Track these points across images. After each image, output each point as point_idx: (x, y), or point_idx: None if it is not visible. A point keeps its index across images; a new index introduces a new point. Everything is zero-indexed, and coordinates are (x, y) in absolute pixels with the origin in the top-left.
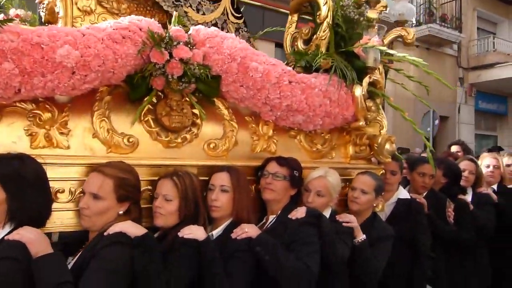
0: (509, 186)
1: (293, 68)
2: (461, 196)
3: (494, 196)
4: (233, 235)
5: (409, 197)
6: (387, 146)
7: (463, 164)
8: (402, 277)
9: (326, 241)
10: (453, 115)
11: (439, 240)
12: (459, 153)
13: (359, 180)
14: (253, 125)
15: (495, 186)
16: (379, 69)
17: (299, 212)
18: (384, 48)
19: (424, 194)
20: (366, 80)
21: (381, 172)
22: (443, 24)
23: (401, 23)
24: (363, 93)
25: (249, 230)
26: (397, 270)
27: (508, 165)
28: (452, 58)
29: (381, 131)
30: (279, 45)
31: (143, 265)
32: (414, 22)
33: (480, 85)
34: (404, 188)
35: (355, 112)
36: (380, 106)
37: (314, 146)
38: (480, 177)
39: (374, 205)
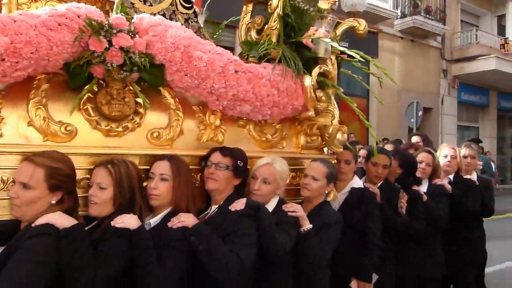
0: (464, 177)
1: (247, 58)
2: (415, 187)
3: (449, 187)
4: (169, 224)
5: (363, 187)
6: (339, 136)
7: (421, 156)
8: (356, 266)
9: (265, 233)
10: (437, 106)
11: (392, 231)
12: (419, 144)
13: (310, 167)
14: (200, 115)
15: (451, 176)
16: (331, 59)
17: (239, 204)
18: (328, 40)
19: (379, 184)
20: (316, 71)
21: (333, 162)
22: (427, 16)
23: (353, 14)
24: (312, 83)
25: (185, 219)
26: (349, 259)
27: (465, 157)
28: (436, 50)
29: (333, 121)
30: None
31: (71, 256)
32: (399, 14)
33: (463, 77)
34: (361, 178)
35: (305, 102)
36: (332, 97)
37: (263, 136)
38: (437, 169)
39: (326, 192)
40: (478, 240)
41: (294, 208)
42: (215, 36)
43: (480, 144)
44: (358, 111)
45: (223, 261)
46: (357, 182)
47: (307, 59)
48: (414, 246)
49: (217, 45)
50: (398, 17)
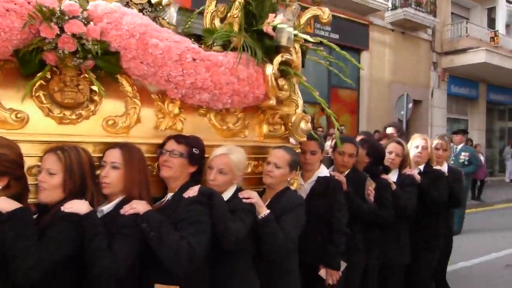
0: (434, 167)
1: (211, 47)
2: (384, 176)
3: (418, 177)
4: (121, 211)
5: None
6: (302, 125)
7: (390, 146)
8: (323, 255)
9: (218, 221)
10: (426, 99)
11: (360, 219)
12: (394, 135)
13: (273, 154)
14: (159, 103)
15: (422, 167)
16: (294, 48)
17: (192, 191)
18: (284, 25)
19: (346, 172)
20: (277, 59)
21: (297, 150)
22: (418, 8)
23: (317, 2)
24: (273, 72)
25: (137, 206)
26: (316, 248)
27: (437, 148)
28: (427, 43)
29: (297, 110)
30: None
31: (14, 239)
32: (390, 6)
33: (452, 69)
34: (329, 168)
35: (266, 91)
36: (296, 85)
37: (224, 124)
38: (406, 159)
39: (289, 179)
40: (445, 231)
41: (249, 195)
42: (186, 25)
43: (469, 137)
44: (320, 99)
45: (174, 248)
46: (323, 171)
47: (268, 48)
48: (382, 235)
49: (192, 34)
50: (389, 9)
